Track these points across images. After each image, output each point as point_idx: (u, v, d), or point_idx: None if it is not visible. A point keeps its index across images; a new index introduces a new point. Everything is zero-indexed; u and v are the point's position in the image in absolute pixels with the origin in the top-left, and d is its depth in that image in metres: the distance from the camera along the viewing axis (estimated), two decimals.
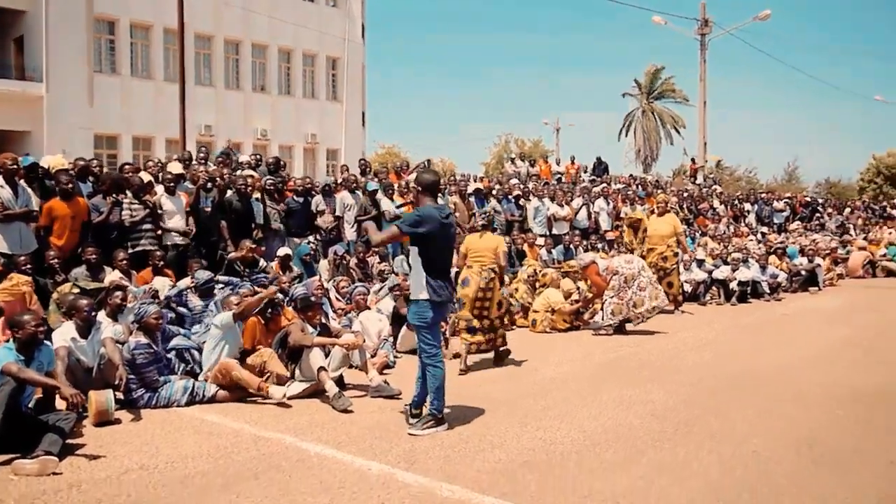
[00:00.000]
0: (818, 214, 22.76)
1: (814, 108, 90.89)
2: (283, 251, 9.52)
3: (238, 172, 10.75)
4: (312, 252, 10.60)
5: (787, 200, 22.73)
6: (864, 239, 18.79)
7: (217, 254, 9.39)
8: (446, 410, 5.52)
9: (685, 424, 5.58)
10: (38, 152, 15.63)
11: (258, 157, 12.69)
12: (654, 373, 7.47)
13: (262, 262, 9.24)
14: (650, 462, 4.72)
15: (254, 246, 9.22)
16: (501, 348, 8.03)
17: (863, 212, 25.20)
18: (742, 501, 4.09)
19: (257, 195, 10.32)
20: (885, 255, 17.31)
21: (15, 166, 7.79)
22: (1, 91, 21.48)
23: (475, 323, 7.83)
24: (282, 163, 12.29)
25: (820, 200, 27.21)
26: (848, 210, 25.13)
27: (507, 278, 10.56)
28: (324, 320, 7.11)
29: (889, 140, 79.41)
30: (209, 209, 9.58)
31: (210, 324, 7.02)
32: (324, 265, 10.38)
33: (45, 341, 5.37)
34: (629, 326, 9.86)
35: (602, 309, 9.84)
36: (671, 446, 5.04)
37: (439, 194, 6.43)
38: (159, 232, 9.09)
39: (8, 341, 5.26)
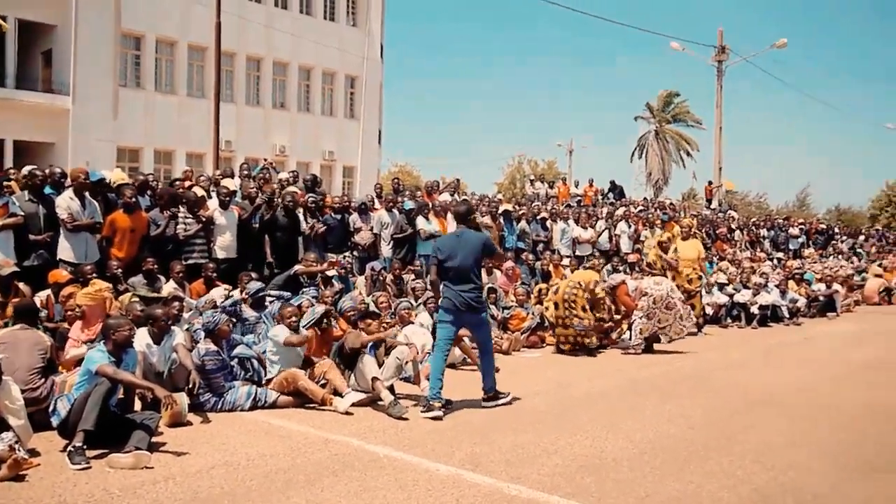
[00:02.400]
0: (833, 241, 23.08)
1: (825, 135, 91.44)
2: (325, 265, 9.89)
3: (287, 189, 11.15)
4: (349, 266, 10.96)
5: (801, 226, 23.07)
6: (879, 266, 19.10)
7: (264, 267, 9.76)
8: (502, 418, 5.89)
9: (724, 437, 5.92)
10: (62, 164, 16.06)
11: (296, 173, 13.13)
12: (687, 389, 7.82)
13: (332, 272, 9.59)
14: (697, 470, 5.05)
15: (332, 259, 9.62)
16: None
17: (877, 239, 25.51)
18: None
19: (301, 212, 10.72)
20: None
21: (86, 180, 8.23)
22: (28, 103, 22.07)
23: None
24: (319, 180, 12.71)
25: (835, 227, 27.52)
26: (862, 237, 25.46)
27: (532, 297, 10.97)
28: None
29: None
30: (257, 224, 9.97)
31: (265, 335, 7.41)
32: (361, 281, 10.75)
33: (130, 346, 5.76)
34: (657, 346, 10.22)
35: (630, 328, 10.20)
36: (715, 455, 5.38)
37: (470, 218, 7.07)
38: (210, 246, 9.49)
39: (90, 343, 5.66)
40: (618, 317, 10.54)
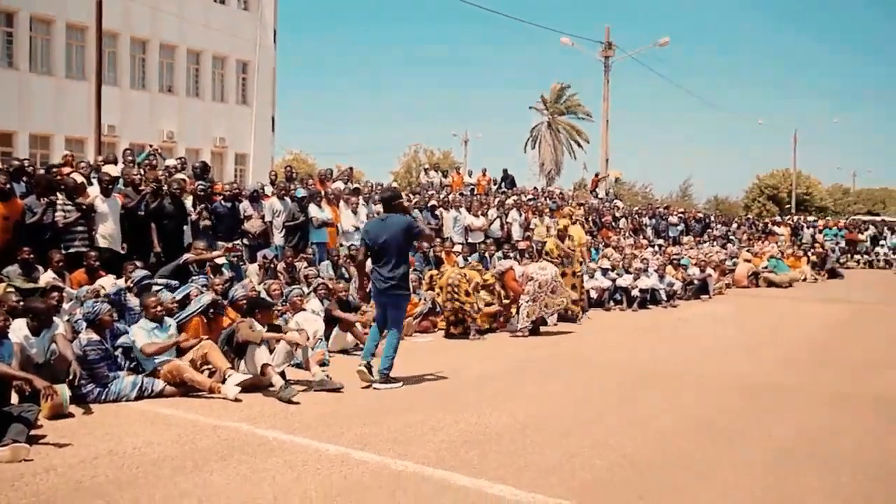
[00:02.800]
0: (709, 229, 24.53)
1: (706, 130, 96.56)
2: (216, 252, 9.75)
3: (175, 176, 10.88)
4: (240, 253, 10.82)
5: (680, 215, 24.38)
6: (748, 252, 20.46)
7: (150, 256, 9.52)
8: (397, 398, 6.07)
9: (602, 411, 6.32)
10: None
11: (184, 160, 12.81)
12: (570, 369, 8.24)
13: (222, 260, 9.45)
14: (574, 441, 5.39)
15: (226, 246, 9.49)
16: None
17: (747, 227, 27.30)
18: (653, 471, 4.81)
19: (188, 199, 10.50)
20: (766, 268, 18.94)
21: None
22: None
23: None
24: (209, 167, 12.45)
25: (711, 216, 29.23)
26: (735, 225, 27.18)
27: (424, 284, 11.20)
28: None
29: (772, 161, 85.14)
30: (142, 212, 9.71)
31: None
32: (252, 269, 10.65)
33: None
34: (542, 329, 10.66)
35: (518, 312, 10.59)
36: (592, 428, 5.74)
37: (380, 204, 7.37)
38: (91, 234, 9.17)
39: None
40: (506, 301, 10.89)
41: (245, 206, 11.51)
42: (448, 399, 6.67)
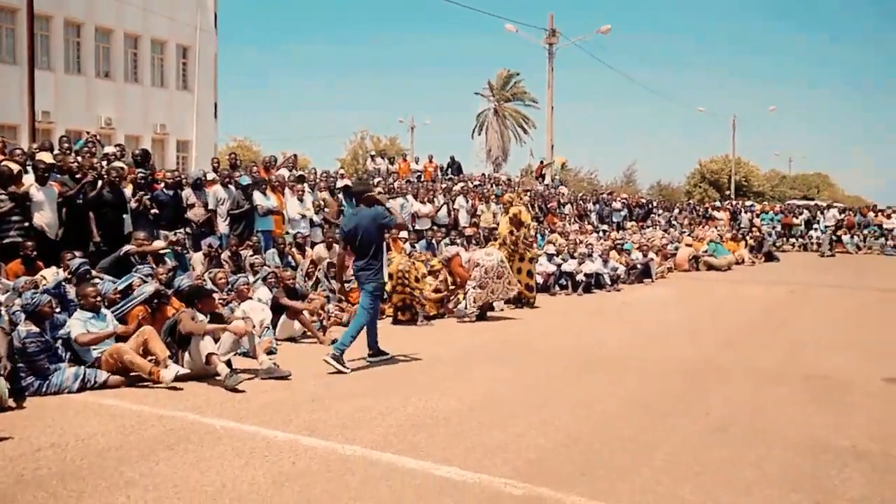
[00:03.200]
0: (652, 214, 25.07)
1: (649, 117, 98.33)
2: (158, 244, 9.60)
3: (113, 164, 10.62)
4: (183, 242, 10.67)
5: (624, 201, 24.85)
6: (690, 236, 20.99)
7: (90, 245, 9.32)
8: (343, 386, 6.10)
9: (548, 394, 6.46)
10: None
11: (123, 147, 12.52)
12: (517, 354, 8.38)
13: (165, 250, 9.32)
14: (520, 423, 5.50)
15: (170, 237, 9.32)
16: None
17: (689, 212, 27.97)
18: (595, 450, 4.95)
19: (128, 187, 10.29)
20: (706, 252, 19.46)
21: None
22: None
23: None
24: (149, 154, 12.19)
25: (653, 202, 29.84)
26: (676, 210, 27.82)
27: None
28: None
29: (713, 148, 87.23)
30: (81, 201, 9.47)
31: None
32: (197, 258, 10.51)
33: None
34: (489, 314, 10.79)
35: (465, 298, 10.70)
36: (537, 410, 5.87)
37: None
38: (27, 224, 8.92)
39: None
40: (453, 287, 10.99)
41: (188, 194, 11.32)
42: (396, 384, 6.73)
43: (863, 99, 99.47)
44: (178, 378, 6.51)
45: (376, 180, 17.39)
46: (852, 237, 26.59)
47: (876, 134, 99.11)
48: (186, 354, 6.91)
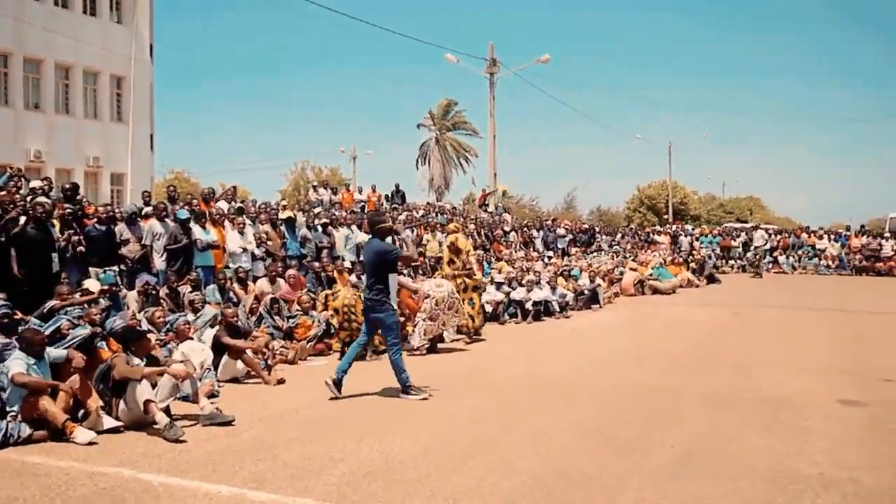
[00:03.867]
0: (595, 239, 25.27)
1: (589, 144, 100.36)
2: (90, 283, 9.08)
3: (38, 199, 10.05)
4: (117, 282, 10.18)
5: (567, 227, 25.00)
6: (634, 261, 21.17)
7: (12, 287, 8.72)
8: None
9: (504, 428, 6.23)
10: None
11: (50, 181, 11.92)
12: (469, 386, 8.14)
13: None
14: (479, 463, 5.25)
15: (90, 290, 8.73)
16: None
17: (631, 237, 28.34)
18: (561, 489, 4.74)
19: (56, 224, 9.74)
20: (651, 276, 19.64)
21: None
22: None
23: None
24: (78, 188, 11.63)
25: (596, 227, 30.16)
26: (619, 235, 28.15)
27: (319, 305, 10.89)
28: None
29: (650, 174, 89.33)
30: (2, 239, 8.90)
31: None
32: (131, 296, 10.00)
33: None
34: (440, 345, 10.53)
35: (415, 330, 10.41)
36: (495, 448, 5.63)
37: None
38: None
39: None
40: (402, 319, 10.69)
41: (121, 230, 10.81)
42: (347, 426, 6.40)
43: (787, 124, 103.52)
44: (110, 430, 6.08)
45: (315, 210, 17.00)
46: (787, 258, 27.32)
47: (799, 157, 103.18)
48: (122, 402, 6.46)
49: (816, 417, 6.59)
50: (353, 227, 15.23)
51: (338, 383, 7.48)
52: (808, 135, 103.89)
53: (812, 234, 28.72)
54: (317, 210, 17.27)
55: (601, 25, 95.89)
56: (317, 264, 13.28)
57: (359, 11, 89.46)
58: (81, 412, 6.38)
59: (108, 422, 6.34)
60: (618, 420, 6.50)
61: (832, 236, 28.46)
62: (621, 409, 6.89)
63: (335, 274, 13.17)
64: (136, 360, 6.61)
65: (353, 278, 13.45)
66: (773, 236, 29.53)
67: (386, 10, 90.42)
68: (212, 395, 7.52)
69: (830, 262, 26.59)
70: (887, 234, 27.79)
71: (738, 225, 34.26)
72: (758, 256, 26.38)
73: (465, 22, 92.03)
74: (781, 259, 27.27)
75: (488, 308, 13.43)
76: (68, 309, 7.92)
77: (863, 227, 29.83)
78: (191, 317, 9.56)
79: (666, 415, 6.70)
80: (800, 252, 27.65)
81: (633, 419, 6.54)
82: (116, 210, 11.37)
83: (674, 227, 32.42)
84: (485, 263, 16.28)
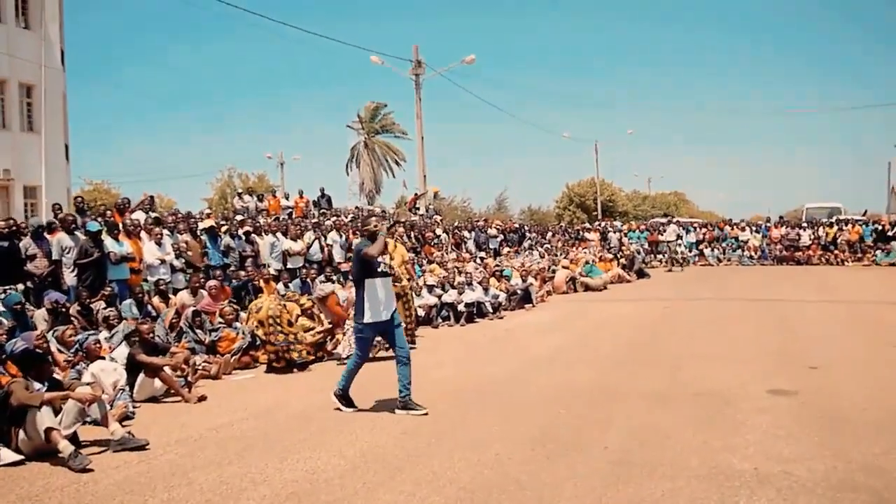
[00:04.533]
0: (526, 238, 25.32)
1: (517, 144, 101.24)
2: None
3: None
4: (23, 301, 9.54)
5: (498, 227, 24.97)
6: (565, 258, 21.25)
7: None
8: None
9: (435, 438, 5.99)
10: None
11: None
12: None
13: None
14: (408, 477, 5.01)
15: None
16: None
17: (562, 235, 28.52)
18: (493, 499, 4.53)
19: None
20: (582, 273, 19.73)
21: None
22: None
23: None
24: None
25: (526, 226, 30.25)
26: (550, 234, 28.29)
27: (244, 315, 10.46)
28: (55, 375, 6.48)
29: (578, 171, 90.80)
30: None
31: None
32: (40, 315, 9.38)
33: None
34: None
35: (344, 338, 10.08)
36: (426, 460, 5.39)
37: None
38: None
39: None
40: (329, 325, 10.38)
41: (27, 244, 10.15)
42: (269, 443, 6.07)
43: (708, 119, 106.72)
44: (10, 464, 5.60)
45: (237, 218, 16.45)
46: (713, 250, 27.94)
47: (720, 153, 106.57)
48: (21, 432, 5.96)
49: (749, 410, 6.58)
50: (279, 235, 14.75)
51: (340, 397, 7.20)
52: (729, 129, 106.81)
53: (735, 227, 29.48)
54: (239, 218, 16.67)
55: (524, 26, 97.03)
56: (242, 273, 12.80)
57: (283, 15, 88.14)
58: None
59: (7, 455, 5.86)
60: (553, 423, 6.34)
61: (753, 228, 29.26)
62: (556, 412, 6.74)
63: (261, 283, 12.72)
64: (37, 385, 6.12)
65: (280, 287, 13.03)
66: (698, 229, 30.16)
67: (312, 13, 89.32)
68: (125, 418, 7.06)
69: (753, 253, 27.31)
70: (804, 224, 28.77)
71: (664, 220, 34.93)
72: (672, 251, 26.31)
73: (390, 24, 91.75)
74: (707, 251, 27.87)
75: (421, 312, 13.18)
76: None
77: (781, 217, 30.78)
78: (105, 334, 9.04)
79: (601, 415, 6.59)
80: (724, 244, 28.34)
81: (569, 421, 6.40)
82: (21, 223, 10.67)
83: (603, 224, 32.83)
84: (416, 267, 16.02)
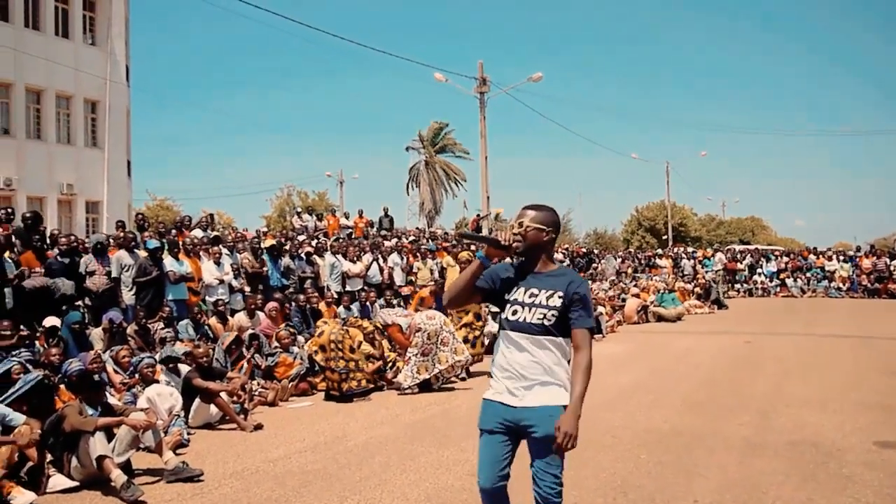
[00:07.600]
0: (594, 263, 24.53)
1: (584, 164, 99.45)
2: (49, 320, 8.29)
3: None
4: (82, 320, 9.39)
5: (565, 251, 24.28)
6: (636, 286, 20.43)
7: None
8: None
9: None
10: None
11: (9, 210, 11.12)
12: (466, 430, 7.32)
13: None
14: None
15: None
16: None
17: (631, 261, 27.54)
18: None
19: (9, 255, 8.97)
20: (654, 302, 18.87)
21: None
22: None
23: None
24: (41, 217, 10.85)
25: (595, 250, 29.38)
26: (619, 259, 27.36)
27: (301, 339, 10.12)
28: (108, 399, 6.20)
29: (648, 194, 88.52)
30: None
31: None
32: (96, 334, 9.22)
33: None
34: (434, 384, 9.71)
35: (406, 367, 9.63)
36: None
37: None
38: None
39: None
40: (392, 354, 9.95)
41: (87, 261, 10.04)
42: (328, 480, 5.64)
43: (788, 142, 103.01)
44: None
45: (299, 238, 16.23)
46: (795, 280, 26.62)
47: (801, 177, 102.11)
48: (74, 458, 5.67)
49: (855, 463, 5.87)
50: (339, 256, 14.44)
51: None
52: (811, 151, 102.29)
53: (820, 256, 27.99)
54: (301, 238, 16.46)
55: (594, 42, 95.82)
56: (301, 297, 12.47)
57: (348, 31, 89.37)
58: (28, 466, 5.60)
59: (61, 481, 5.58)
60: (635, 471, 5.75)
61: (841, 257, 27.65)
62: (638, 458, 6.13)
63: (322, 306, 12.39)
64: (90, 410, 5.83)
65: (341, 310, 12.67)
66: (779, 258, 28.81)
67: (375, 30, 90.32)
68: (180, 446, 6.76)
69: (841, 285, 25.82)
70: None
71: (741, 247, 33.64)
72: (717, 283, 24.51)
73: (455, 41, 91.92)
74: (789, 282, 26.53)
75: (486, 341, 12.63)
76: (18, 350, 7.13)
77: (872, 246, 29.08)
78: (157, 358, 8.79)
79: (686, 462, 5.97)
80: (808, 274, 26.94)
81: (652, 469, 5.80)
82: (82, 240, 10.59)
83: (675, 250, 31.70)
84: None
